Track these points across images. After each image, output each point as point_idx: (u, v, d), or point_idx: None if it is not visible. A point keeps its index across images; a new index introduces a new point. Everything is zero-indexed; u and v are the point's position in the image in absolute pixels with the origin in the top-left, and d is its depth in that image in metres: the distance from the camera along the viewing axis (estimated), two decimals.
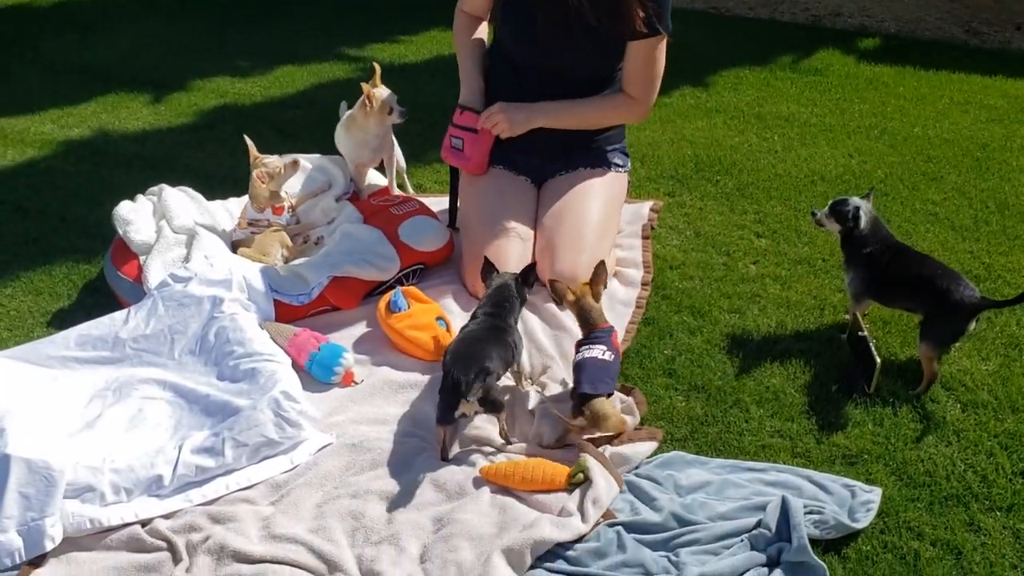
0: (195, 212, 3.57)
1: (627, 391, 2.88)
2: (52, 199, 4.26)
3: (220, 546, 2.41)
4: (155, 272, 3.18)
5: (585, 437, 2.69)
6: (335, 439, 2.76)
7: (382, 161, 3.81)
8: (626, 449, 2.66)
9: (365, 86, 3.46)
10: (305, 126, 4.81)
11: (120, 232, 3.42)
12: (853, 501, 2.49)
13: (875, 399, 2.83)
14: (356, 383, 3.00)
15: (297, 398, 2.74)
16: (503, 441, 2.72)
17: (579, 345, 2.79)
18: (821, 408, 2.82)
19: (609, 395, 2.70)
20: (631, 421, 2.78)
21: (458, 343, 2.77)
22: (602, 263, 2.85)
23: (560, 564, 2.36)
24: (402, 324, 3.09)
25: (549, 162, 3.53)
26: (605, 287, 2.90)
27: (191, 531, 2.49)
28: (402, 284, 3.39)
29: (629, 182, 3.73)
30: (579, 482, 2.54)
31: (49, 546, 2.41)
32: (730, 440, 2.74)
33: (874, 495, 2.50)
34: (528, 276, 2.93)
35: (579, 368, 2.72)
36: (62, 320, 3.40)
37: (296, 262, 3.34)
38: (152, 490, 2.56)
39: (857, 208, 2.97)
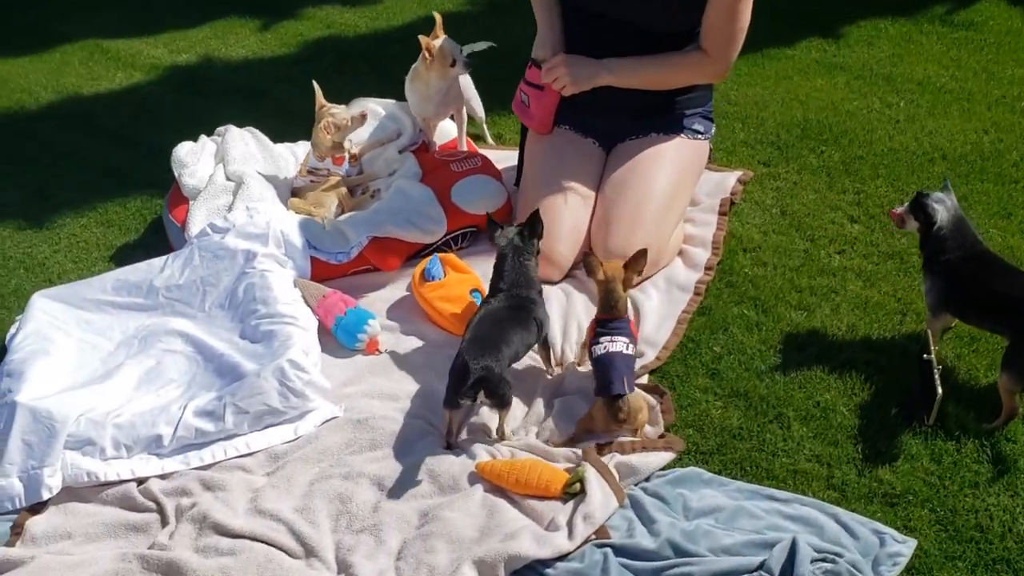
0: (258, 156, 3.52)
1: (658, 393, 2.65)
2: (146, 128, 4.33)
3: (203, 515, 2.39)
4: (198, 220, 3.16)
5: (594, 442, 2.50)
6: (342, 412, 2.68)
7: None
8: (635, 459, 2.44)
9: (423, 39, 3.26)
10: (402, 64, 4.61)
11: (176, 174, 3.41)
12: (880, 551, 2.20)
13: (938, 430, 2.47)
14: (380, 352, 2.90)
15: (306, 367, 2.66)
16: (498, 438, 2.56)
17: (596, 332, 2.59)
18: (873, 434, 2.50)
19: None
20: (651, 431, 2.56)
21: (478, 323, 2.62)
22: (643, 251, 2.61)
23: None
24: (434, 294, 2.95)
25: (619, 124, 3.25)
26: (640, 275, 2.66)
27: (182, 495, 2.49)
28: (451, 247, 3.24)
29: (711, 150, 3.39)
30: (575, 492, 2.36)
31: (46, 495, 2.47)
32: (760, 460, 2.48)
33: (906, 547, 2.19)
34: (535, 227, 2.72)
35: (607, 363, 2.51)
36: (124, 256, 3.46)
37: (341, 218, 3.24)
38: (152, 448, 2.57)
39: (935, 202, 2.57)
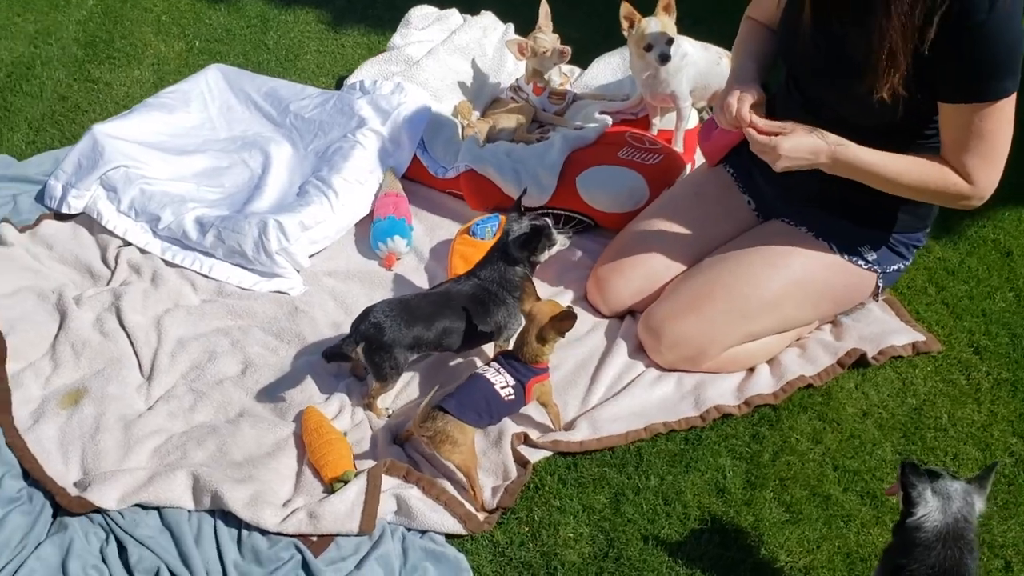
0: (487, 52, 3.43)
1: (523, 466, 2.27)
2: None
3: (120, 295, 2.62)
4: (361, 73, 3.25)
5: (405, 464, 2.24)
6: (296, 293, 2.70)
7: None
8: (418, 506, 2.16)
9: (626, 4, 2.85)
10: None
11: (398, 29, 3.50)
12: None
13: None
14: (389, 269, 2.82)
15: (290, 236, 2.69)
16: (364, 404, 2.40)
17: (494, 358, 2.30)
18: None
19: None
20: (488, 499, 2.22)
21: (426, 292, 2.45)
22: (571, 314, 2.19)
23: (225, 528, 2.12)
24: (461, 247, 2.77)
25: (780, 198, 2.63)
26: (561, 337, 2.24)
27: (133, 272, 2.75)
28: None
29: (879, 287, 2.61)
30: (334, 490, 2.17)
31: (65, 209, 2.87)
32: None
33: None
34: (529, 241, 2.40)
35: (469, 381, 2.24)
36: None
37: (471, 137, 3.09)
38: (153, 224, 2.82)
39: (934, 491, 1.77)
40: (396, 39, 3.44)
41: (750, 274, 2.52)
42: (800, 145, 2.23)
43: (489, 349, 2.54)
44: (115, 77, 3.63)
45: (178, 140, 3.08)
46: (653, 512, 2.25)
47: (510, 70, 3.49)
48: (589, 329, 2.67)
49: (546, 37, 3.15)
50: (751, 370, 2.60)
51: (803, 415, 2.50)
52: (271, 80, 3.34)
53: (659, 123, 3.28)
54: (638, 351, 2.61)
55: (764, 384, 2.54)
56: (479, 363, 2.55)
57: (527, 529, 2.21)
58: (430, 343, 2.36)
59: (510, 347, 2.51)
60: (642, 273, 2.67)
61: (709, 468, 2.36)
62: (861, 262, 2.54)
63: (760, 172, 2.67)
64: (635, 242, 2.71)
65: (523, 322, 2.49)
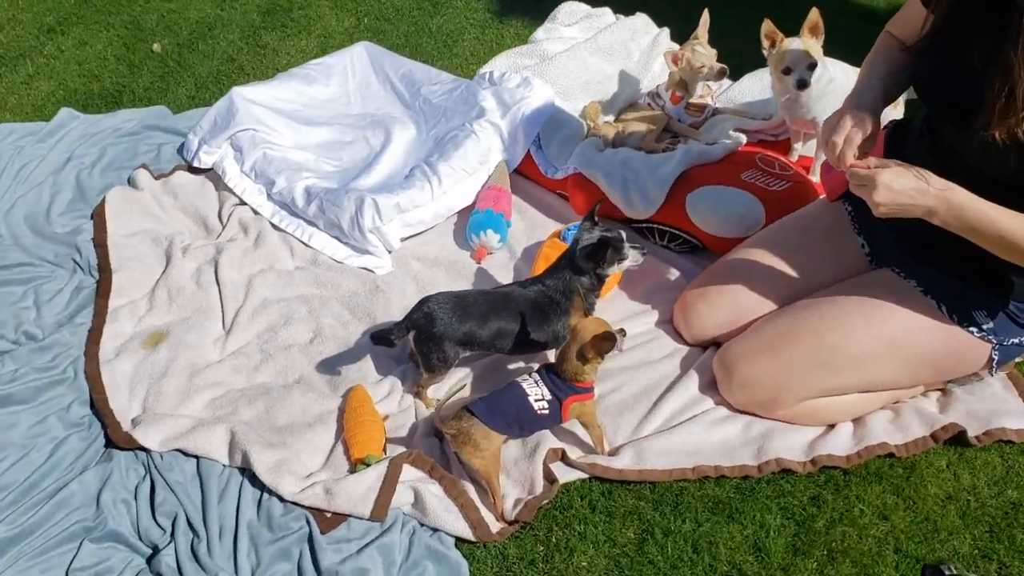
0: (633, 55, 3.32)
1: (550, 482, 2.20)
2: None
3: (220, 251, 2.77)
4: (494, 64, 3.22)
5: (432, 459, 2.22)
6: (380, 272, 2.74)
7: None
8: (432, 503, 2.14)
9: (768, 23, 2.66)
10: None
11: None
12: None
13: None
14: (478, 263, 2.81)
15: (384, 217, 2.73)
16: (414, 392, 2.40)
17: (536, 370, 2.24)
18: None
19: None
20: (508, 509, 2.17)
21: (488, 291, 2.43)
22: (610, 336, 2.08)
23: (250, 488, 2.19)
24: (548, 249, 2.71)
25: (895, 248, 2.39)
26: (601, 359, 2.14)
27: (241, 230, 2.89)
28: (651, 238, 2.85)
29: (993, 360, 2.32)
30: (356, 470, 2.19)
31: (197, 164, 3.06)
32: None
33: None
34: (595, 253, 2.31)
35: (504, 388, 2.19)
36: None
37: (588, 141, 3.00)
38: (268, 187, 2.95)
39: None
40: (539, 32, 3.40)
41: (841, 323, 2.30)
42: (903, 181, 2.00)
43: (552, 356, 2.47)
44: (282, 45, 3.82)
45: (309, 111, 3.19)
46: (678, 558, 2.12)
47: (654, 75, 3.36)
48: (665, 355, 2.54)
49: (704, 51, 2.99)
50: (831, 427, 2.39)
51: (876, 485, 2.27)
52: (409, 62, 3.39)
53: (800, 148, 3.07)
54: (711, 386, 2.45)
55: (840, 445, 2.33)
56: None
57: (542, 548, 2.14)
58: (483, 342, 2.32)
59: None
60: (730, 303, 2.51)
61: (752, 523, 2.19)
62: (974, 329, 2.26)
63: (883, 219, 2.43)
64: (729, 270, 2.55)
65: None
